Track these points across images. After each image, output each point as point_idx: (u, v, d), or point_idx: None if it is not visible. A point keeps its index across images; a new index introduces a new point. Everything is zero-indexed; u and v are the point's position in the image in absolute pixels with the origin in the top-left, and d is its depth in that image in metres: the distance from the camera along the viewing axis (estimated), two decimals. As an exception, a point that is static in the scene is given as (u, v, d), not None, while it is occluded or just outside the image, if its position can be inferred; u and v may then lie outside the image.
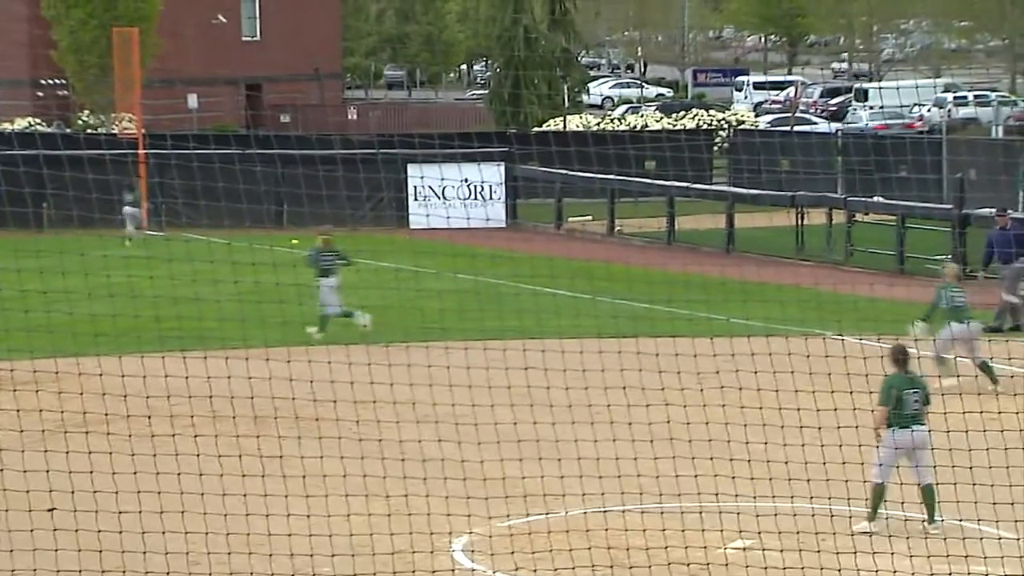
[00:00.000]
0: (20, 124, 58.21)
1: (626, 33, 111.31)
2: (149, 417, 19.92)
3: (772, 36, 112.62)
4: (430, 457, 16.88)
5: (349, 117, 74.35)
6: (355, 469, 16.96)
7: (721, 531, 16.42)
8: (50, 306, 28.12)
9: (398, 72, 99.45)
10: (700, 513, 16.38)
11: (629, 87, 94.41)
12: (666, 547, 15.95)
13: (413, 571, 15.35)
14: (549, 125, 64.02)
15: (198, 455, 16.35)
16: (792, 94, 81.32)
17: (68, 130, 57.19)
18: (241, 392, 21.14)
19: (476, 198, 49.96)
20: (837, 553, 15.47)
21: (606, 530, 16.37)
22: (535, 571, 15.96)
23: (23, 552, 13.99)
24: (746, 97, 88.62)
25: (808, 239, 42.58)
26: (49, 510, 14.47)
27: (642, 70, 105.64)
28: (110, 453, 15.58)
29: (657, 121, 66.90)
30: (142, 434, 19.04)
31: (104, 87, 56.88)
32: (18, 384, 22.84)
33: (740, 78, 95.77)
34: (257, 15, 73.65)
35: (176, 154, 47.38)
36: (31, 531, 14.22)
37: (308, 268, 30.40)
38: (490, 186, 50.42)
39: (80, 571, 13.73)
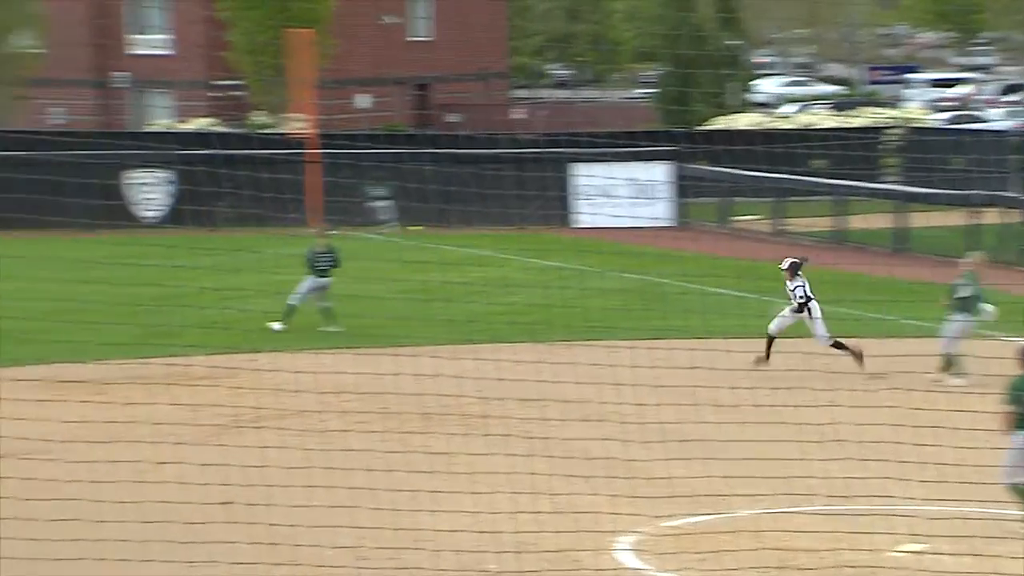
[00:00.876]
0: (196, 124, 59.17)
1: (796, 31, 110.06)
2: (321, 413, 20.21)
3: (946, 32, 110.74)
4: (596, 456, 16.89)
5: (515, 116, 74.47)
6: (521, 467, 17.03)
7: (890, 534, 16.22)
8: (225, 303, 28.68)
9: (564, 71, 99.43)
10: (869, 515, 16.20)
11: (799, 85, 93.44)
12: (834, 549, 15.82)
13: (578, 570, 15.36)
14: (716, 123, 63.59)
15: (368, 451, 16.53)
16: (967, 92, 79.91)
17: (243, 130, 58.01)
18: (409, 389, 21.36)
19: (642, 197, 49.73)
20: (1010, 558, 15.19)
21: (773, 531, 16.27)
22: (701, 572, 15.89)
23: (200, 544, 14.24)
24: (920, 95, 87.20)
25: (983, 239, 41.84)
26: (225, 503, 14.70)
27: (813, 68, 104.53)
28: (283, 448, 15.82)
29: (828, 119, 66.08)
30: (314, 429, 19.33)
31: (278, 88, 57.64)
32: (194, 379, 23.27)
33: (913, 75, 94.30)
34: (427, 15, 74.11)
35: (346, 154, 47.88)
36: (207, 524, 14.48)
37: (304, 267, 29.69)
38: (656, 185, 50.23)
39: (254, 563, 13.94)
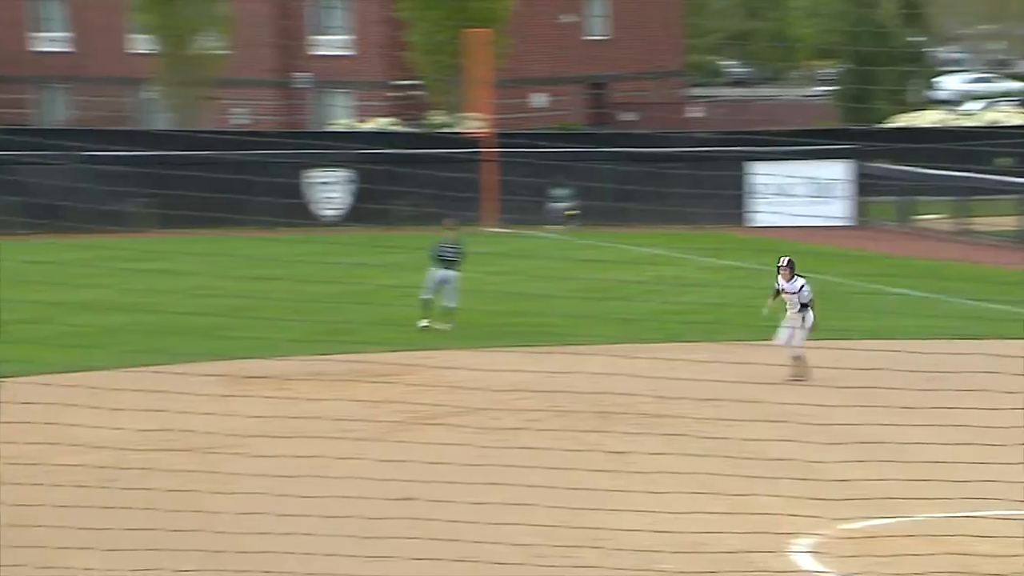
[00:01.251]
0: (376, 124, 59.76)
1: (984, 26, 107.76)
2: (496, 410, 20.35)
3: None
4: (773, 456, 16.78)
5: (691, 114, 74.17)
6: (698, 467, 17.02)
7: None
8: (403, 301, 29.01)
9: (741, 69, 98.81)
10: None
11: (983, 81, 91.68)
12: (1017, 555, 15.57)
13: (753, 571, 15.30)
14: (897, 121, 62.72)
15: (544, 449, 16.62)
16: None
17: (420, 129, 58.53)
18: (584, 388, 21.44)
19: (820, 196, 49.27)
20: None
21: (954, 536, 16.06)
22: (878, 574, 15.74)
23: (380, 540, 14.42)
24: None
25: None
26: (405, 499, 14.88)
27: (1002, 64, 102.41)
28: (460, 445, 15.98)
29: (1015, 115, 64.75)
30: (490, 427, 19.46)
31: (456, 87, 58.04)
32: (373, 376, 23.55)
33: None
34: (604, 13, 74.09)
35: (522, 152, 48.09)
36: (387, 520, 14.66)
37: (431, 260, 29.41)
38: (836, 184, 49.73)
39: (433, 560, 14.08)
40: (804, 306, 23.73)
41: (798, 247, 41.66)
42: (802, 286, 23.83)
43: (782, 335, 23.75)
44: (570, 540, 14.75)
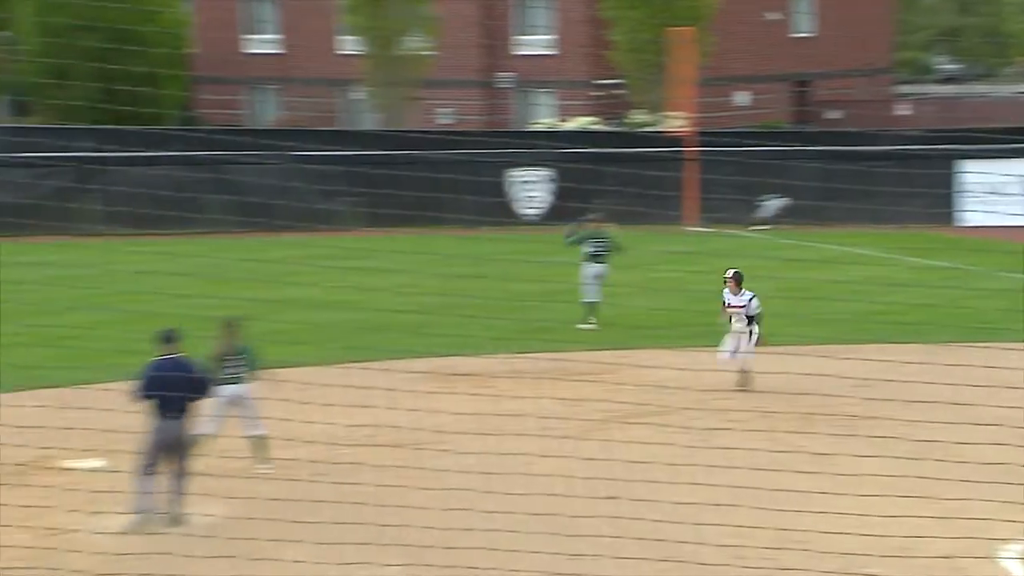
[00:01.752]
0: (577, 123, 59.94)
1: None
2: (699, 410, 20.33)
3: None
4: (986, 460, 16.51)
5: (900, 112, 73.16)
6: (906, 470, 16.82)
7: None
8: (605, 300, 29.11)
9: (953, 66, 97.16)
10: None
11: None
12: None
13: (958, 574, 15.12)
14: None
15: (747, 449, 16.57)
16: None
17: (622, 128, 58.56)
18: (788, 388, 21.33)
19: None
20: None
21: None
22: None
23: (583, 538, 14.53)
24: None
25: None
26: (608, 498, 14.98)
27: None
28: (663, 444, 16.02)
29: None
30: (692, 427, 19.46)
31: (658, 85, 58.01)
32: (575, 375, 23.70)
33: None
34: (810, 11, 73.43)
35: (724, 151, 47.91)
36: (590, 518, 14.76)
37: (573, 247, 29.95)
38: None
39: (638, 559, 14.15)
40: (751, 319, 23.39)
41: (1011, 247, 40.94)
42: (750, 299, 23.49)
43: (727, 347, 23.46)
44: (773, 542, 14.71)
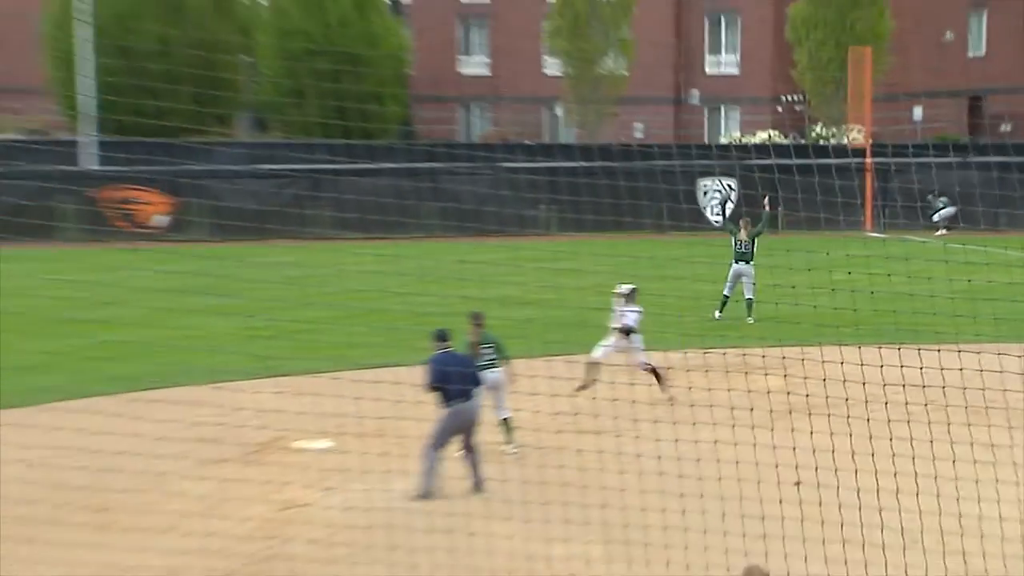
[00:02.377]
0: (761, 137, 59.59)
1: None
2: (873, 403, 20.02)
3: None
4: None
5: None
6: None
7: None
8: (783, 299, 28.84)
9: None
10: None
11: None
12: None
13: None
14: None
15: (919, 440, 16.28)
16: None
17: (803, 141, 58.03)
18: (954, 383, 20.88)
19: None
20: None
21: None
22: None
23: (769, 520, 14.39)
24: None
25: None
26: (796, 484, 14.81)
27: None
28: (838, 434, 15.79)
29: None
30: (868, 418, 19.18)
31: (837, 101, 57.40)
32: (758, 368, 23.50)
33: None
34: (982, 32, 71.99)
35: (896, 162, 47.25)
36: (775, 502, 14.65)
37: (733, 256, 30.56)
38: None
39: (819, 541, 14.02)
40: (630, 331, 22.78)
41: None
42: (634, 312, 22.89)
43: (600, 352, 22.72)
44: (946, 527, 14.46)
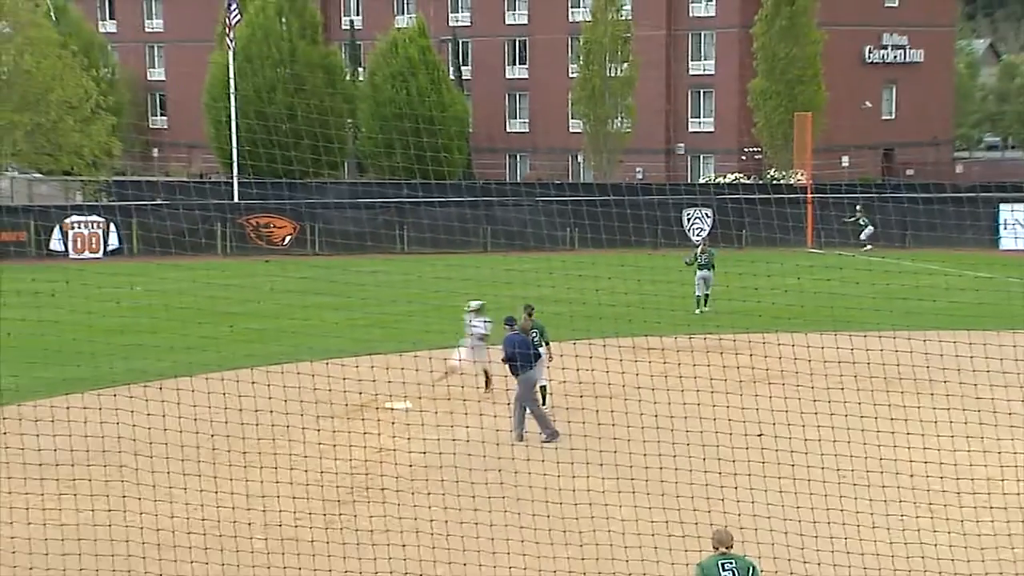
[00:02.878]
0: (730, 178, 59.23)
1: None
2: (814, 375, 19.72)
3: None
4: (1014, 411, 15.71)
5: (957, 171, 70.78)
6: (970, 418, 16.08)
7: None
8: (751, 296, 28.52)
9: (994, 138, 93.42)
10: None
11: None
12: None
13: (1003, 493, 14.40)
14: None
15: (851, 403, 16.00)
16: None
17: (761, 181, 57.62)
18: (875, 361, 20.52)
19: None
20: None
21: None
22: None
23: (737, 462, 14.16)
24: None
25: None
26: (758, 435, 14.57)
27: None
28: (791, 398, 15.50)
29: None
30: (810, 386, 18.91)
31: (786, 152, 57.05)
32: (727, 349, 23.17)
33: None
34: (892, 99, 71.35)
35: (830, 197, 46.86)
36: (745, 449, 14.43)
37: (691, 266, 30.15)
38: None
39: (775, 477, 13.77)
40: (483, 337, 21.12)
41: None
42: (484, 322, 21.23)
43: (458, 355, 21.28)
44: (873, 468, 14.20)
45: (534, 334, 19.59)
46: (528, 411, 17.76)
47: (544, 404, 19.24)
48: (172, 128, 77.05)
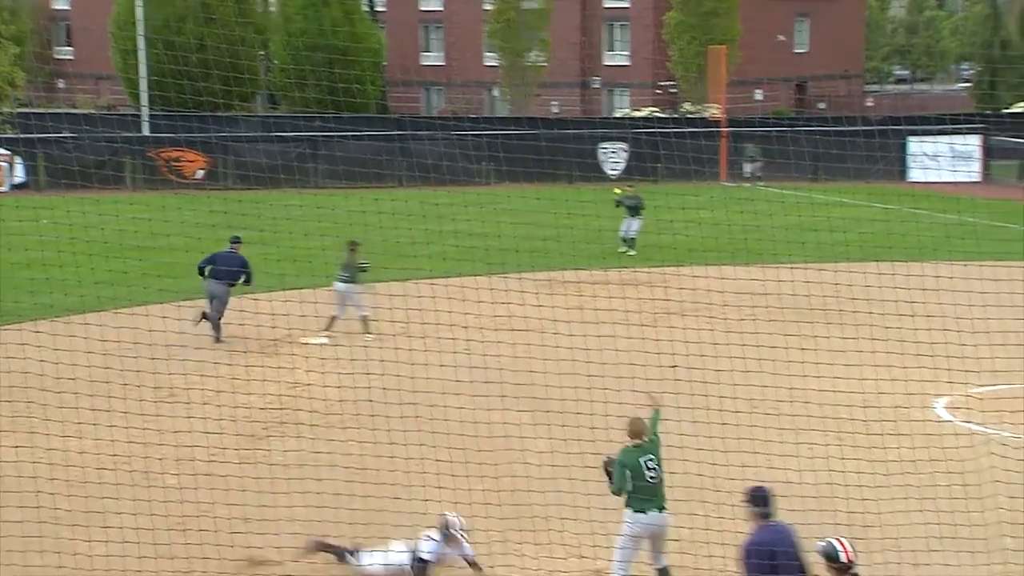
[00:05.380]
0: (645, 111, 59.32)
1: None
2: (724, 306, 19.96)
3: None
4: (929, 341, 16.08)
5: (868, 104, 71.62)
6: (863, 347, 16.48)
7: None
8: (666, 230, 28.71)
9: (904, 71, 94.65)
10: None
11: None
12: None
13: (908, 420, 14.82)
14: (1017, 107, 59.58)
15: (760, 333, 16.22)
16: None
17: (675, 115, 57.83)
18: (788, 292, 20.78)
19: (960, 160, 47.31)
20: None
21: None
22: (998, 424, 15.05)
23: (651, 381, 14.26)
24: None
25: None
26: (672, 366, 14.70)
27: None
28: (703, 329, 15.70)
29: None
30: (722, 317, 19.11)
31: (701, 86, 57.24)
32: (641, 283, 23.31)
33: None
34: (806, 32, 71.88)
35: (746, 131, 47.14)
36: (661, 380, 14.56)
37: (618, 208, 29.80)
38: (970, 151, 47.73)
39: (691, 408, 13.93)
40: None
41: (943, 197, 39.92)
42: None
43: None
44: (783, 397, 14.44)
45: (361, 266, 20.30)
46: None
47: (370, 335, 19.54)
48: (78, 58, 75.02)
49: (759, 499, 7.78)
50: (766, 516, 7.74)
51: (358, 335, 20.02)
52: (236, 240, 21.08)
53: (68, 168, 42.38)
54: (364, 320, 20.42)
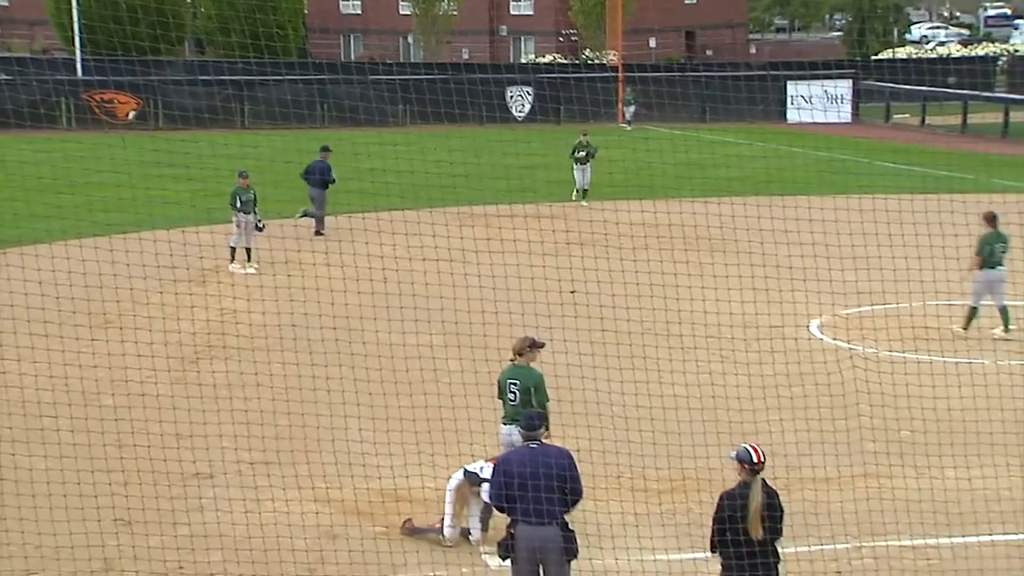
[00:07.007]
0: (549, 58, 58.97)
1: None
2: (623, 236, 20.04)
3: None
4: (794, 266, 16.31)
5: (751, 51, 72.01)
6: (744, 272, 16.66)
7: None
8: (565, 167, 28.56)
9: (783, 21, 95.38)
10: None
11: (940, 28, 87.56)
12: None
13: (783, 338, 15.10)
14: (883, 54, 60.38)
15: (655, 261, 16.33)
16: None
17: (577, 61, 57.58)
18: (680, 223, 20.92)
19: (833, 102, 47.99)
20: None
21: (912, 316, 15.64)
22: (862, 341, 15.40)
23: (552, 306, 14.29)
24: (1022, 34, 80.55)
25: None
26: (572, 292, 14.69)
27: (949, 16, 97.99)
28: (604, 258, 15.73)
29: (958, 51, 61.95)
30: (621, 247, 19.19)
31: (600, 34, 57.03)
32: (548, 216, 23.23)
33: (1019, 21, 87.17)
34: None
35: (638, 76, 47.19)
36: (560, 304, 14.58)
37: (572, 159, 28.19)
38: (841, 94, 48.42)
39: (588, 329, 14.00)
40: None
41: (816, 136, 40.45)
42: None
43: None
44: (672, 319, 14.50)
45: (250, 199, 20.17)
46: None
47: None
48: (12, 4, 72.31)
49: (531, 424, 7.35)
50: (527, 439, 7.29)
51: (282, 264, 19.71)
52: (325, 148, 23.48)
53: (2, 108, 40.96)
54: (247, 251, 20.31)
